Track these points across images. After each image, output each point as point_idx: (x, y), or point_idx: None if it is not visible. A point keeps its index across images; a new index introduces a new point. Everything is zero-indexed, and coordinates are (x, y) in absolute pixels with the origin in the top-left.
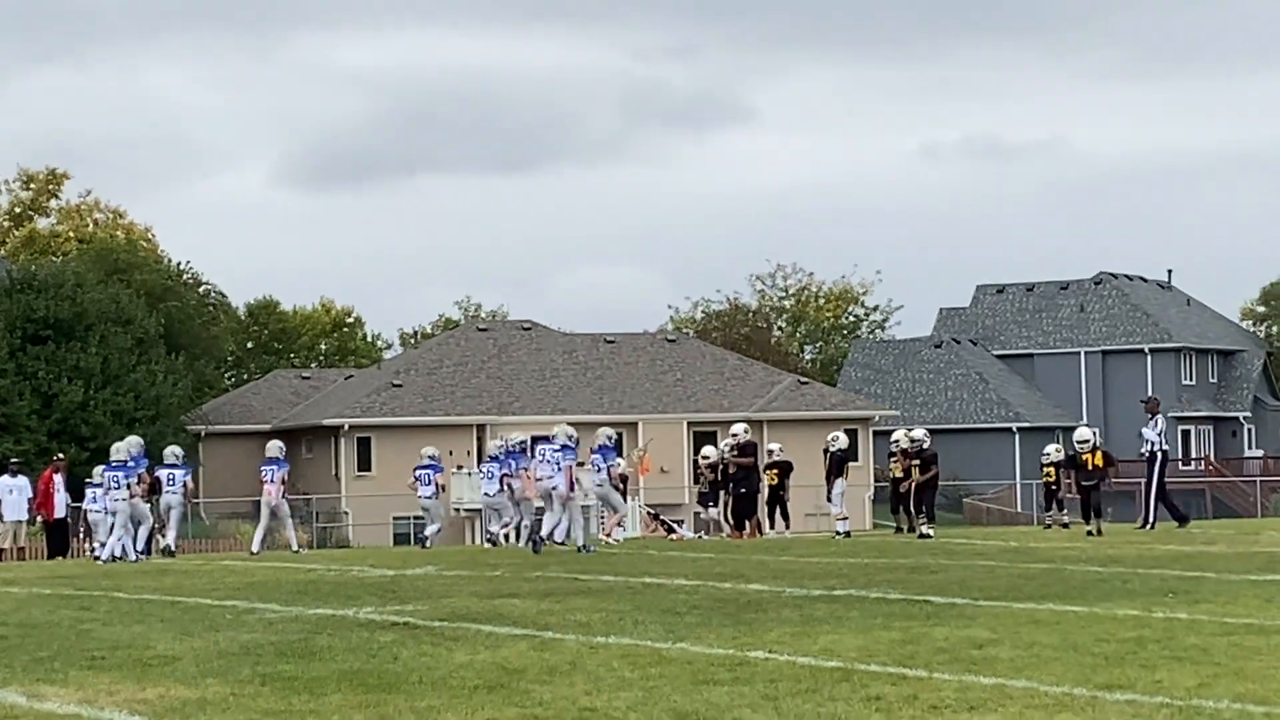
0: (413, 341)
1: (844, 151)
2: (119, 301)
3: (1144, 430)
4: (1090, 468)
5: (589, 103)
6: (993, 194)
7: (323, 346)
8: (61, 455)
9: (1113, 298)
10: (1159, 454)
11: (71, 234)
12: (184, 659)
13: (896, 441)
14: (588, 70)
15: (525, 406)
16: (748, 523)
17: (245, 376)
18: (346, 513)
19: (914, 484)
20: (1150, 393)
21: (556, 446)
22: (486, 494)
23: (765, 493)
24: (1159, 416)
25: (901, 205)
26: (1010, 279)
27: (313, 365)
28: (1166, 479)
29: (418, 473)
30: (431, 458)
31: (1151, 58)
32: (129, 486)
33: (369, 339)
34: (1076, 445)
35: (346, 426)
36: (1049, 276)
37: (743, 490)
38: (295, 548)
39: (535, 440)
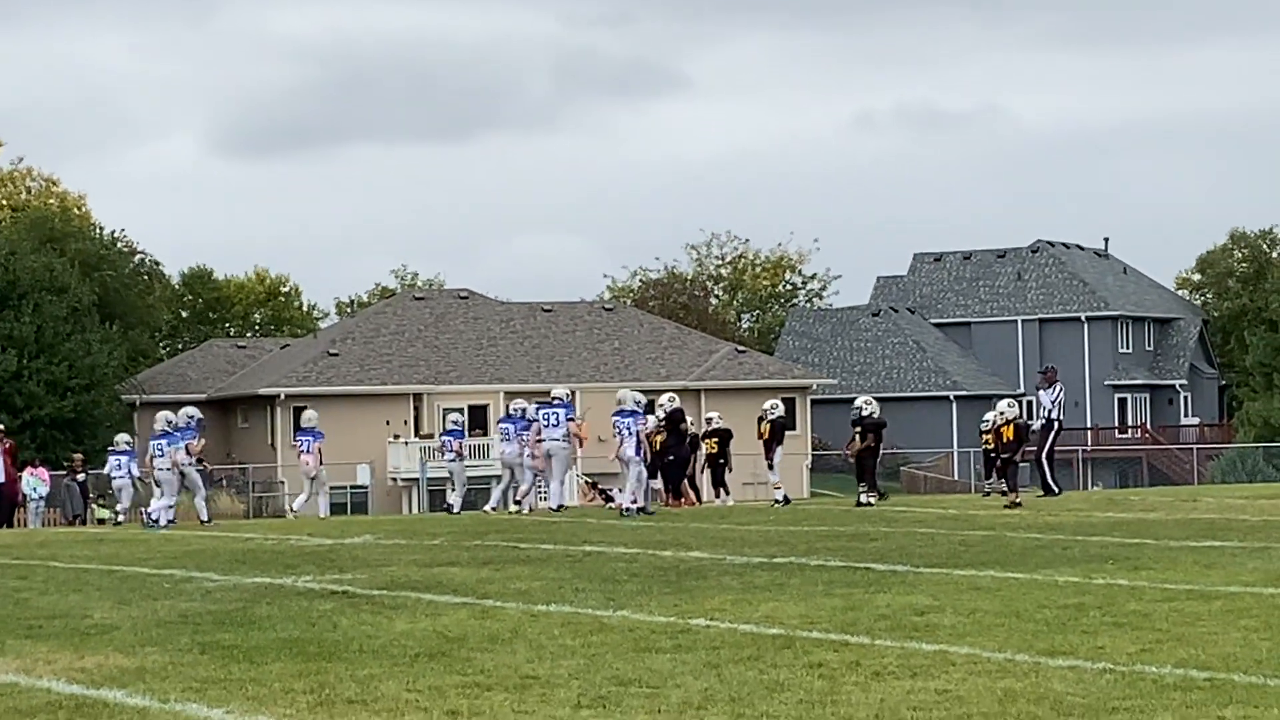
0: (349, 310)
1: (779, 120)
2: (53, 270)
3: (1041, 394)
4: (1004, 440)
5: (522, 71)
6: (929, 162)
7: (258, 316)
8: (1, 426)
9: (1050, 266)
10: (1055, 422)
11: (4, 201)
12: (122, 628)
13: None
14: (520, 38)
15: (462, 375)
16: (685, 490)
17: (180, 346)
18: (282, 482)
19: (855, 451)
20: (1087, 362)
21: (559, 408)
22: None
23: (703, 460)
24: (1057, 385)
25: (838, 173)
26: (948, 247)
27: (248, 335)
28: (1055, 449)
29: (442, 439)
30: (455, 424)
31: (1087, 26)
32: (172, 455)
33: (305, 308)
34: (995, 417)
35: (282, 396)
36: (986, 245)
37: (672, 458)
38: (324, 513)
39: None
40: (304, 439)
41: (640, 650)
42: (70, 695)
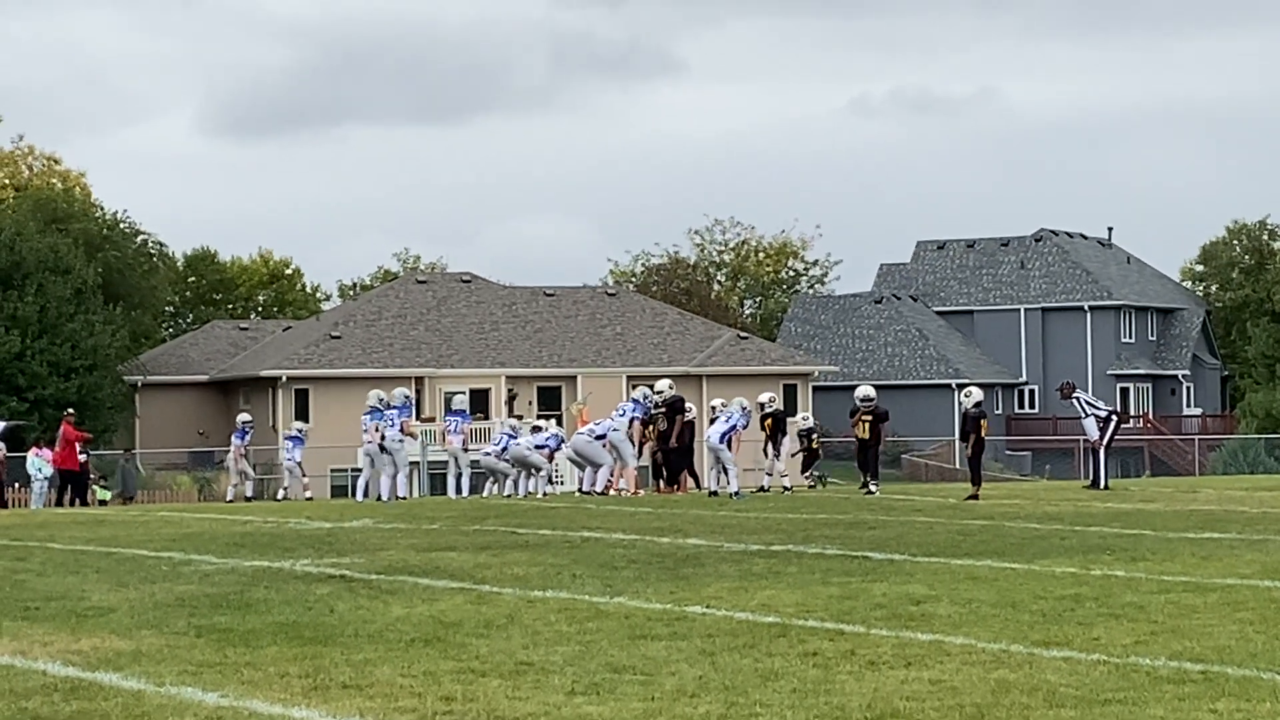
0: (351, 293)
1: (774, 104)
2: (57, 251)
3: (1091, 401)
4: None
5: (517, 53)
6: (927, 148)
7: (261, 297)
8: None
9: (1053, 255)
10: (1112, 414)
11: (7, 181)
12: (119, 610)
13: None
14: (515, 20)
15: (464, 359)
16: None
17: (183, 327)
18: (282, 464)
19: (859, 441)
20: (1090, 351)
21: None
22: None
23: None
24: (1076, 392)
25: (837, 158)
26: (951, 235)
27: (251, 316)
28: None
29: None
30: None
31: (1085, 13)
32: (403, 428)
33: (307, 290)
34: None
35: (284, 378)
36: (990, 233)
37: (675, 445)
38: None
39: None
40: (453, 419)
41: (635, 637)
42: (66, 678)
